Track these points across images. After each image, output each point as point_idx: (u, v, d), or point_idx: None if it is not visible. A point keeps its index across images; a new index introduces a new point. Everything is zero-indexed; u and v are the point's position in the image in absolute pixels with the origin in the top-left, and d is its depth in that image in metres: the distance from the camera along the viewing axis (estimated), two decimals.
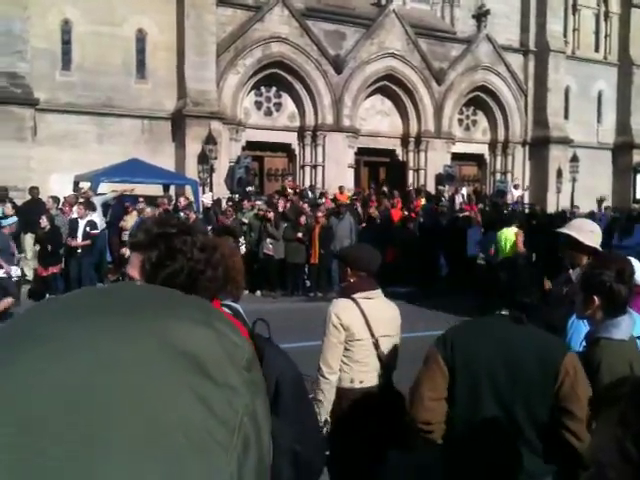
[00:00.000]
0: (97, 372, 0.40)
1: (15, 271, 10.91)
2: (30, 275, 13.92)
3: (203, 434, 0.40)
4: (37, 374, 0.40)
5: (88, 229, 12.93)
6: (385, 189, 21.32)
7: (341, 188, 20.59)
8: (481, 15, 25.95)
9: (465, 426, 2.58)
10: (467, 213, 18.01)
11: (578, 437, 2.49)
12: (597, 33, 30.05)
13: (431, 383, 2.71)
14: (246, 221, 15.15)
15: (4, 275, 10.35)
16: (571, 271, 4.27)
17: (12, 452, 0.36)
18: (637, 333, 3.52)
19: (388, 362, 3.90)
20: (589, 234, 4.18)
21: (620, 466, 1.00)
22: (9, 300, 10.11)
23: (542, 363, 2.59)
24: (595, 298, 2.98)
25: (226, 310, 2.64)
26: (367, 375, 3.81)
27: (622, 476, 1.00)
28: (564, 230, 4.30)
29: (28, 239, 13.86)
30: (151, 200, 15.90)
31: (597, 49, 30.03)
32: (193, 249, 1.89)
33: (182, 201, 15.63)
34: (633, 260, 4.46)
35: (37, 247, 12.96)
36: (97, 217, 13.94)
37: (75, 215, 13.52)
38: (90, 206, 13.74)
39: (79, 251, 12.90)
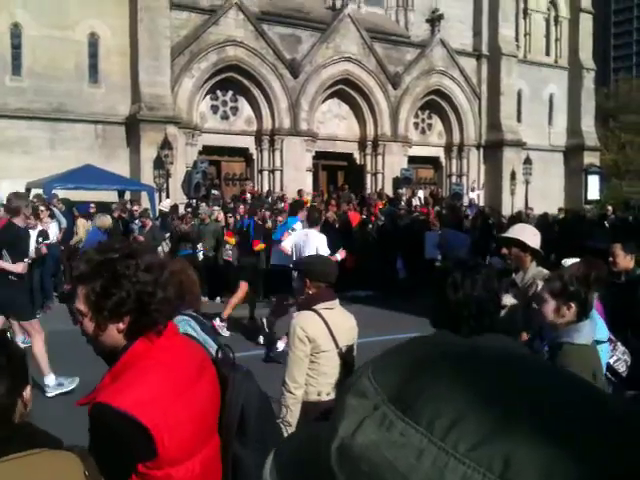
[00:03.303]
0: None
1: None
2: None
3: None
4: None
5: (40, 239, 12.60)
6: (347, 192, 21.37)
7: (300, 192, 20.55)
8: (435, 19, 26.30)
9: None
10: (424, 216, 18.18)
11: None
12: (548, 37, 30.70)
13: None
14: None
15: None
16: (514, 275, 4.42)
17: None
18: (600, 336, 3.61)
19: (352, 371, 3.88)
20: (532, 237, 4.39)
21: None
22: None
23: None
24: (572, 305, 3.06)
25: (186, 318, 2.61)
26: (333, 387, 3.79)
27: None
28: (510, 235, 4.46)
29: None
30: (105, 207, 15.64)
31: (548, 53, 30.68)
32: (137, 272, 1.82)
33: (137, 208, 15.38)
34: None
35: None
36: (54, 226, 13.63)
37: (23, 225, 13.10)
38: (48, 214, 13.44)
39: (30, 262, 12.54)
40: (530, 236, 4.38)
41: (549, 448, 0.45)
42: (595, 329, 3.25)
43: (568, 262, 4.75)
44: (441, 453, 0.46)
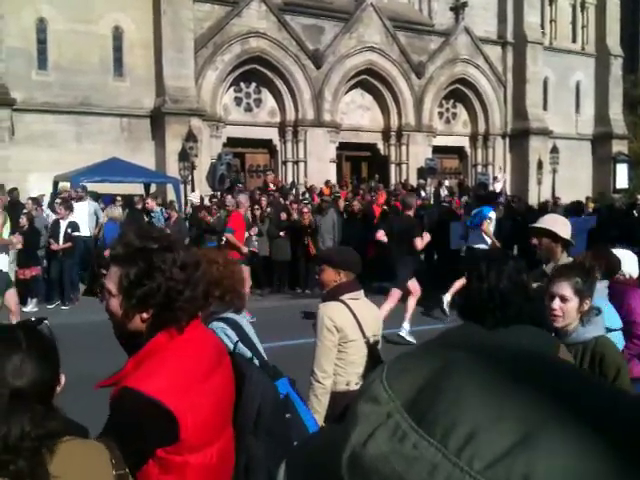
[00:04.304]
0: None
1: None
2: (13, 278, 13.70)
3: None
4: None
5: (69, 230, 12.76)
6: (373, 183, 21.33)
7: (328, 183, 20.52)
8: (459, 7, 26.04)
9: None
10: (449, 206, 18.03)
11: None
12: (574, 24, 30.26)
13: None
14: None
15: None
16: (544, 265, 4.36)
17: None
18: (614, 324, 3.61)
19: (379, 361, 3.91)
20: (563, 227, 4.33)
21: None
22: None
23: None
24: (589, 299, 3.05)
25: (222, 326, 2.60)
26: (361, 376, 3.79)
27: None
28: (542, 225, 4.39)
29: None
30: (130, 199, 15.79)
31: (574, 40, 30.24)
32: (173, 268, 1.84)
33: (150, 202, 15.30)
34: (628, 253, 4.55)
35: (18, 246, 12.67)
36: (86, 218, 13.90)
37: (55, 216, 13.30)
38: (71, 206, 13.58)
39: (60, 253, 12.71)
40: (561, 226, 4.32)
41: (574, 465, 0.42)
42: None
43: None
44: (455, 470, 0.44)
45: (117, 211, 13.14)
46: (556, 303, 3.06)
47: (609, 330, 3.50)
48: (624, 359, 3.09)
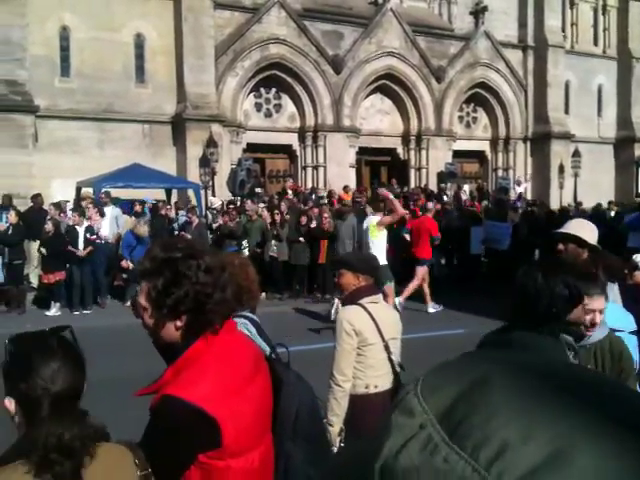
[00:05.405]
0: None
1: None
2: (36, 283, 13.90)
3: None
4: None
5: (88, 235, 12.90)
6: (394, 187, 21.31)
7: (346, 188, 20.53)
8: (479, 11, 25.97)
9: None
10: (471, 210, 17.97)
11: None
12: (595, 27, 30.01)
13: None
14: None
15: None
16: None
17: None
18: (625, 326, 3.59)
19: (398, 365, 3.93)
20: (590, 233, 4.22)
21: None
22: None
23: None
24: None
25: (243, 321, 2.64)
26: (381, 379, 3.82)
27: None
28: (567, 230, 4.29)
29: (33, 247, 13.83)
30: (154, 206, 15.92)
31: (596, 43, 29.99)
32: (198, 272, 1.88)
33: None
34: None
35: (42, 251, 12.82)
36: (106, 224, 14.08)
37: (71, 222, 13.36)
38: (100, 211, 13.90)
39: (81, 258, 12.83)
40: (588, 232, 4.19)
41: None
42: None
43: (639, 258, 4.58)
44: None
45: (142, 229, 13.27)
46: (598, 317, 3.01)
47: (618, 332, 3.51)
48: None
